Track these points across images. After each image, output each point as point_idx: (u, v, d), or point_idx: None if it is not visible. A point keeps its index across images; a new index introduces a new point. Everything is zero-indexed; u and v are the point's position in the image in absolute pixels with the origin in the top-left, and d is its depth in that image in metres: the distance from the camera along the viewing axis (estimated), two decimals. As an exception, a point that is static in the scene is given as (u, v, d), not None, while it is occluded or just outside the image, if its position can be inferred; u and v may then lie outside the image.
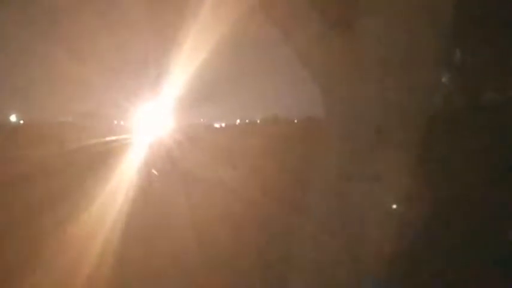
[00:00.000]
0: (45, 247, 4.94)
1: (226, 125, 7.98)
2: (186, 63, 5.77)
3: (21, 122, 7.82)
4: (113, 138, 6.92)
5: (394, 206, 4.20)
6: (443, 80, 4.91)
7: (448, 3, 3.86)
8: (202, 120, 7.68)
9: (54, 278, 4.57)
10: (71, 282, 4.62)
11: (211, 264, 5.03)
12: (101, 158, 6.45)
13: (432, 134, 4.14)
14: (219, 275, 4.91)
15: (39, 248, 4.89)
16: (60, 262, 4.75)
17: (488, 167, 4.42)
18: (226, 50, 5.51)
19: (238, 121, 7.98)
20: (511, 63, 4.69)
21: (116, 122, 7.31)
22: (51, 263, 4.73)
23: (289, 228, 4.73)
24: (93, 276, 4.71)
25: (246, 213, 5.71)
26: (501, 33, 4.56)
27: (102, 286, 4.71)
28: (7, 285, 4.53)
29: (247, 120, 7.94)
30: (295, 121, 7.63)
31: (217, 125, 7.87)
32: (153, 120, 7.14)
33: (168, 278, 4.86)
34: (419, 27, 3.83)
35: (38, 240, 5.05)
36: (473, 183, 4.40)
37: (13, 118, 7.81)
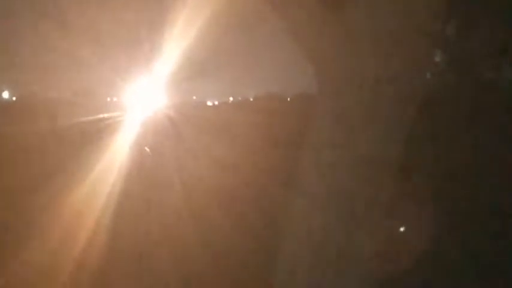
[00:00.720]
0: (38, 223, 4.95)
1: (219, 103, 7.98)
2: (179, 41, 5.75)
3: (14, 98, 7.78)
4: (106, 115, 6.91)
5: (385, 184, 4.22)
6: (436, 57, 4.92)
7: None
8: (195, 97, 7.68)
9: (48, 252, 4.58)
10: (64, 258, 4.64)
11: (204, 241, 5.05)
12: (94, 135, 6.44)
13: (425, 111, 4.16)
14: (211, 253, 4.94)
15: (32, 224, 4.90)
16: (53, 237, 4.77)
17: (476, 142, 4.45)
18: (218, 28, 5.48)
19: (231, 99, 7.99)
20: (504, 42, 4.70)
21: (109, 99, 7.30)
22: (44, 238, 4.74)
23: (281, 204, 4.76)
24: (86, 251, 4.73)
25: (239, 190, 5.73)
26: (495, 11, 4.56)
27: (94, 261, 4.73)
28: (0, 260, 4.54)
29: (240, 98, 7.94)
30: (288, 99, 7.63)
31: (210, 103, 7.86)
32: (146, 97, 7.13)
33: (159, 254, 4.89)
34: (413, 4, 3.81)
35: (32, 215, 5.06)
36: (464, 161, 4.43)
37: (5, 95, 7.78)
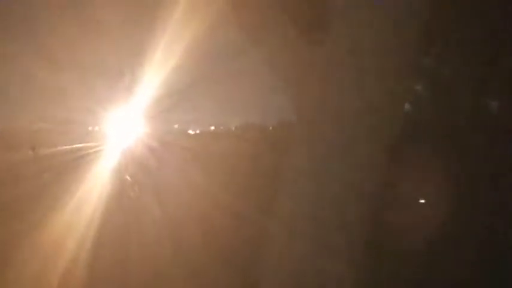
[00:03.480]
0: (15, 253, 4.90)
1: (200, 131, 8.02)
2: (159, 70, 5.80)
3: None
4: (87, 144, 6.90)
5: (368, 209, 4.25)
6: (417, 86, 5.00)
7: (423, 8, 3.93)
8: (176, 126, 7.70)
9: (24, 283, 4.54)
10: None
11: (186, 270, 5.03)
12: (75, 164, 6.42)
13: (406, 140, 4.22)
14: (193, 281, 4.92)
15: (9, 253, 4.85)
16: (31, 267, 4.73)
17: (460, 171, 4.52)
18: (198, 58, 5.55)
19: (212, 128, 8.03)
20: (487, 69, 4.78)
21: (90, 128, 7.29)
22: (23, 268, 4.70)
23: (262, 232, 4.76)
24: (63, 282, 4.69)
25: (220, 219, 5.73)
26: (478, 39, 4.66)
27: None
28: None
29: (221, 127, 7.97)
30: (270, 128, 7.70)
31: (191, 131, 7.88)
32: (127, 126, 7.13)
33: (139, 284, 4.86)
34: (392, 33, 3.89)
35: (10, 244, 5.01)
36: (449, 190, 4.48)
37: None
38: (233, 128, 7.72)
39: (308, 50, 3.99)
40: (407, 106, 4.62)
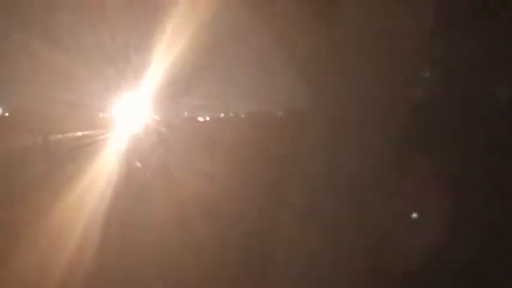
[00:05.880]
0: (26, 237, 4.92)
1: (210, 118, 7.98)
2: (169, 56, 5.77)
3: (6, 114, 7.77)
4: (97, 129, 6.90)
5: (379, 199, 4.22)
6: (426, 71, 4.93)
7: None
8: (186, 113, 7.67)
9: (33, 265, 4.57)
10: (51, 272, 4.61)
11: (194, 256, 5.03)
12: (84, 149, 6.42)
13: (415, 124, 4.16)
14: (201, 269, 4.91)
15: (20, 236, 4.88)
16: (40, 251, 4.75)
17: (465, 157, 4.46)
18: (208, 43, 5.51)
19: (222, 114, 7.99)
20: (496, 56, 4.72)
21: (100, 113, 7.29)
22: (31, 251, 4.72)
23: (272, 219, 4.74)
24: (73, 265, 4.70)
25: (229, 206, 5.71)
26: (486, 25, 4.58)
27: (81, 276, 4.70)
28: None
29: (231, 114, 7.92)
30: (280, 114, 7.63)
31: (201, 118, 7.85)
32: (137, 112, 7.12)
33: (147, 268, 4.86)
34: (403, 16, 3.83)
35: (21, 228, 5.04)
36: (453, 175, 4.43)
37: (-1, 110, 7.78)
38: (243, 115, 7.70)
39: (320, 35, 3.94)
40: (418, 91, 4.56)
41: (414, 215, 4.41)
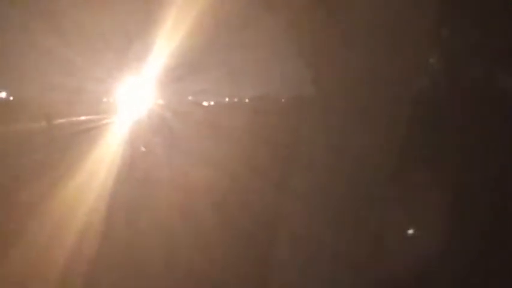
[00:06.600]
0: (30, 220, 4.94)
1: (215, 103, 7.96)
2: (172, 40, 5.73)
3: (11, 98, 7.80)
4: (100, 114, 6.90)
5: (379, 185, 4.20)
6: (431, 58, 4.89)
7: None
8: (190, 98, 7.65)
9: (38, 248, 4.59)
10: (54, 257, 4.63)
11: (197, 243, 5.04)
12: (88, 135, 6.43)
13: (419, 114, 4.13)
14: (204, 253, 4.92)
15: (23, 221, 4.90)
16: (43, 235, 4.77)
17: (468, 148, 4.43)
18: (213, 28, 5.47)
19: (227, 99, 7.97)
20: (498, 45, 4.67)
21: (104, 98, 7.29)
22: (36, 234, 4.74)
23: (276, 205, 4.74)
24: (76, 250, 4.72)
25: (235, 191, 5.72)
26: (491, 14, 4.54)
27: (84, 262, 4.72)
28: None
29: (235, 99, 7.89)
30: (283, 100, 7.61)
31: (205, 103, 7.83)
32: (141, 97, 7.11)
33: (150, 255, 4.87)
34: (408, 9, 3.77)
35: (24, 212, 5.06)
36: (455, 164, 4.41)
37: (2, 95, 7.79)
38: (247, 100, 7.66)
39: (325, 22, 3.90)
40: (423, 81, 4.53)
41: (417, 214, 4.39)
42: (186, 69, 6.57)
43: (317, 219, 4.21)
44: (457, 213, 4.33)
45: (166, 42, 5.82)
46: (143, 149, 7.01)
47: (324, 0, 3.71)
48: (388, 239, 4.14)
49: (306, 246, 4.12)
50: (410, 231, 4.44)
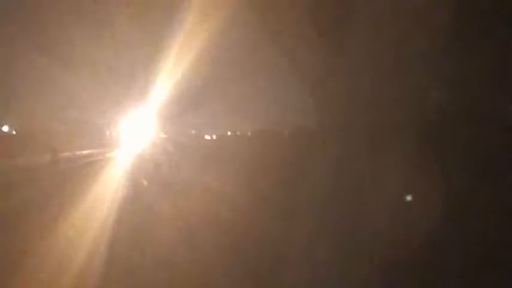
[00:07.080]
0: (35, 250, 4.94)
1: (217, 136, 8.01)
2: (176, 75, 5.81)
3: (14, 132, 7.82)
4: (104, 147, 6.95)
5: (386, 211, 4.20)
6: (435, 91, 4.94)
7: (440, 9, 3.89)
8: (193, 131, 7.71)
9: (42, 280, 4.56)
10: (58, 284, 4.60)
11: (202, 271, 5.02)
12: (92, 167, 6.46)
13: (422, 141, 4.17)
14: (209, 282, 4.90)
15: (27, 251, 4.88)
16: (48, 264, 4.75)
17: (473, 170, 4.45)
18: (215, 62, 5.56)
19: (229, 133, 8.02)
20: (502, 72, 4.71)
21: (107, 131, 7.35)
22: (40, 264, 4.73)
23: (282, 234, 4.74)
24: (80, 280, 4.69)
25: (237, 223, 5.72)
26: (494, 41, 4.60)
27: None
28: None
29: (238, 132, 7.94)
30: (286, 133, 7.66)
31: (207, 137, 7.88)
32: (145, 131, 7.18)
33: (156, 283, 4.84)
34: (411, 33, 3.85)
35: (29, 243, 5.05)
36: (462, 189, 4.42)
37: (5, 128, 7.82)
38: (249, 133, 7.71)
39: (329, 54, 3.96)
40: (426, 109, 4.58)
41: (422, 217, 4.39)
42: (188, 103, 6.65)
43: (321, 257, 4.22)
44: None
45: (169, 76, 5.89)
46: (145, 182, 7.03)
47: (328, 33, 3.79)
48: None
49: (309, 275, 4.13)
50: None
